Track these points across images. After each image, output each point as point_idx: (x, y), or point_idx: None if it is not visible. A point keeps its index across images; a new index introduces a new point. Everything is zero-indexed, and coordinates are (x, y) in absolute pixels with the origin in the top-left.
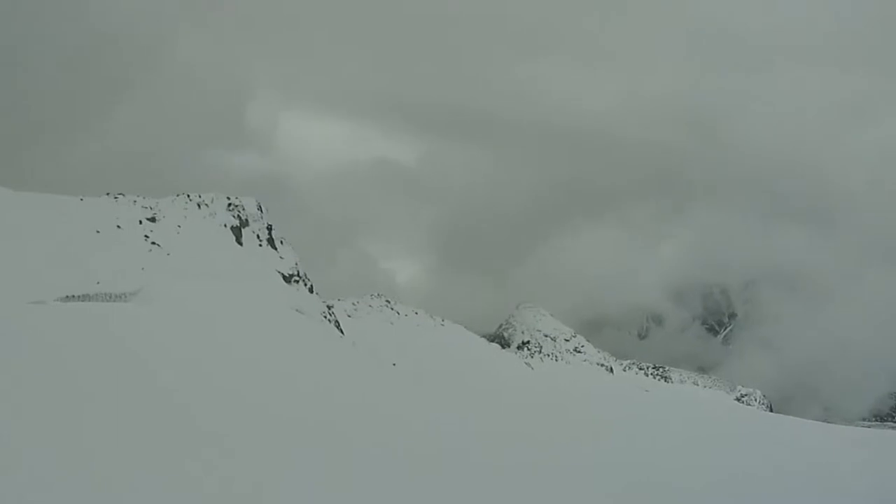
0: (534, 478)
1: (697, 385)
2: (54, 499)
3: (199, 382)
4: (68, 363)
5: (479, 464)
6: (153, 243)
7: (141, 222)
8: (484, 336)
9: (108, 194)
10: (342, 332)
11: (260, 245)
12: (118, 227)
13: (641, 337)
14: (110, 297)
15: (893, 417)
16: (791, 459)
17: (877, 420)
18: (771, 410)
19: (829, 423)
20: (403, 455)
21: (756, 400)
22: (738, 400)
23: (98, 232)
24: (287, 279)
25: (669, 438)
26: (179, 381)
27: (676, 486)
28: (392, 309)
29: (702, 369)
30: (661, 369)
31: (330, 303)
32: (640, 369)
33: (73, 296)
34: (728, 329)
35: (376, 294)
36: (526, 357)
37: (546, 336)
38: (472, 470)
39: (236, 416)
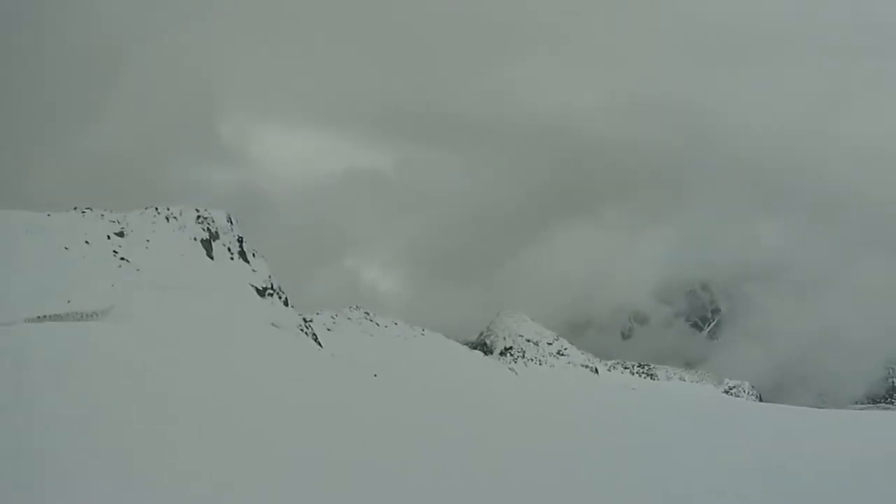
0: (527, 480)
1: (684, 380)
2: None
3: (177, 397)
4: (39, 384)
5: (468, 469)
6: (122, 259)
7: (109, 237)
8: (466, 343)
9: (75, 209)
10: (320, 344)
11: (231, 258)
12: (86, 242)
13: (625, 337)
14: (82, 315)
15: (888, 399)
16: (776, 444)
17: (871, 403)
18: (760, 400)
19: (820, 408)
20: (390, 462)
21: (744, 392)
22: (726, 392)
23: (66, 248)
24: (261, 292)
25: (656, 433)
26: (158, 397)
27: (672, 479)
28: (371, 321)
29: (689, 365)
30: (646, 367)
31: (308, 316)
32: (626, 368)
33: (44, 316)
34: (713, 324)
35: (355, 306)
36: (509, 363)
37: (528, 341)
38: (461, 475)
39: (215, 429)
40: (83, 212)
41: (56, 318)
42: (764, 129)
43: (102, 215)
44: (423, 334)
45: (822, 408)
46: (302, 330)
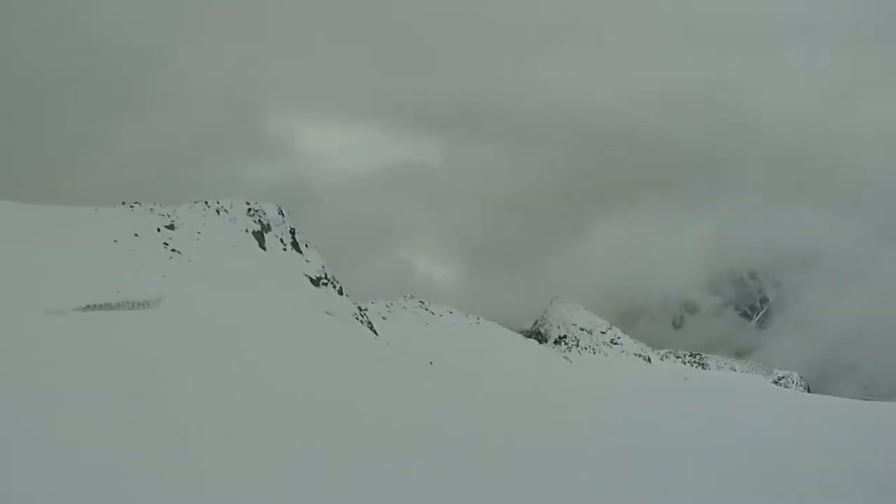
0: (586, 467)
1: (735, 370)
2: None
3: (228, 387)
4: (87, 372)
5: (527, 457)
6: (173, 250)
7: (159, 230)
8: (520, 332)
9: (123, 203)
10: (376, 333)
11: (284, 249)
12: (136, 235)
13: (676, 326)
14: (132, 305)
15: None
16: (824, 438)
17: None
18: (808, 391)
19: (867, 400)
20: (448, 451)
21: (793, 382)
22: (775, 383)
23: (115, 241)
24: (315, 282)
25: (714, 423)
26: (207, 386)
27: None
28: (426, 309)
29: (738, 354)
30: (697, 356)
31: (363, 305)
32: (678, 357)
33: (94, 305)
34: (761, 313)
35: (410, 295)
36: (564, 351)
37: (582, 329)
38: (521, 464)
39: (270, 418)
40: (131, 206)
41: (106, 307)
42: (802, 113)
43: (151, 209)
44: (477, 323)
45: (868, 399)
46: (357, 318)
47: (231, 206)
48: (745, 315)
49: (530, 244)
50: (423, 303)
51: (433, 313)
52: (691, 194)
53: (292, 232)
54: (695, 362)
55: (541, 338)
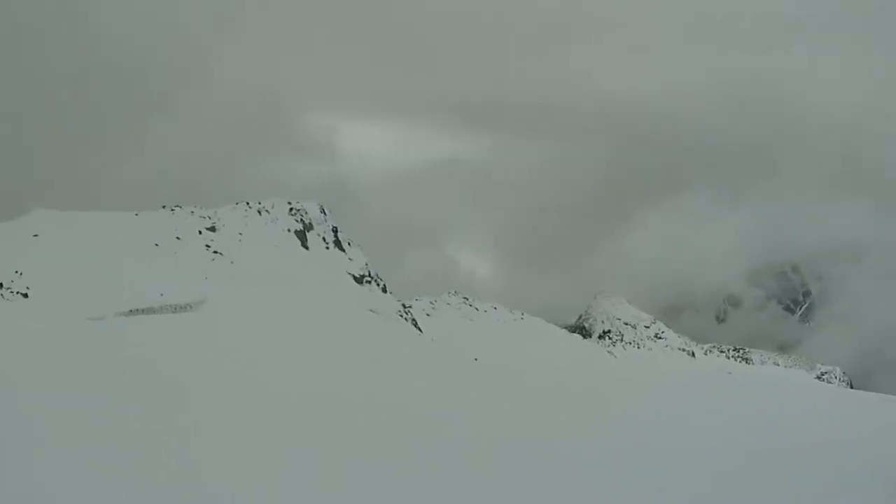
0: (631, 460)
1: (778, 365)
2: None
3: (273, 387)
4: (127, 376)
5: (574, 451)
6: (215, 252)
7: (200, 232)
8: (565, 327)
9: (163, 207)
10: (420, 329)
11: (327, 248)
12: (177, 238)
13: (720, 320)
14: (175, 308)
15: None
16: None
17: None
18: (851, 387)
19: None
20: (493, 445)
21: (836, 378)
22: (818, 378)
23: (157, 245)
24: (358, 280)
25: (755, 420)
26: (252, 387)
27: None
28: (471, 305)
29: (781, 349)
30: (741, 351)
31: (407, 302)
32: (721, 352)
33: (138, 309)
34: (804, 307)
35: (454, 292)
36: (608, 346)
37: (626, 324)
38: (571, 457)
39: (316, 417)
40: (172, 209)
41: (149, 311)
42: (847, 104)
43: (192, 212)
44: (522, 318)
45: None
46: (401, 315)
47: (273, 207)
48: (788, 309)
49: (574, 239)
50: (467, 299)
51: (477, 309)
52: (734, 187)
53: (335, 230)
54: (738, 357)
55: (585, 333)
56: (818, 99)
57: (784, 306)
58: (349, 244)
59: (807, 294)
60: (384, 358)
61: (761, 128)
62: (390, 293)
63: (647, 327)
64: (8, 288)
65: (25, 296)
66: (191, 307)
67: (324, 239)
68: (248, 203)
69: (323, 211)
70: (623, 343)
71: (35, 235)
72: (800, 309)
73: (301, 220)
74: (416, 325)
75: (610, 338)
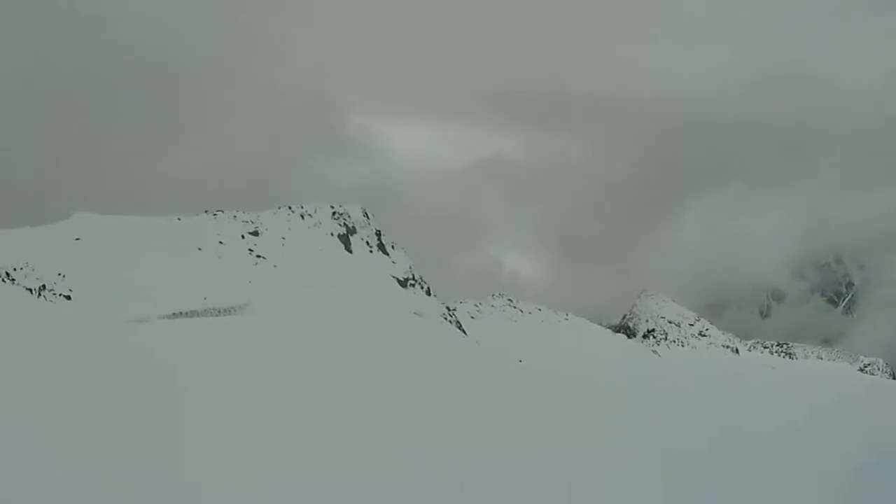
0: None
1: (822, 359)
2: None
3: (318, 390)
4: (171, 379)
5: (620, 453)
6: (258, 256)
7: (243, 237)
8: (609, 327)
9: (206, 212)
10: (464, 332)
11: (370, 251)
12: (220, 242)
13: (763, 315)
14: (219, 311)
15: None
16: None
17: None
18: (894, 378)
19: None
20: (541, 446)
21: (879, 369)
22: (861, 370)
23: (200, 249)
24: (402, 283)
25: (800, 411)
26: (296, 389)
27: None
28: (515, 307)
29: (825, 342)
30: (784, 346)
31: (451, 305)
32: (765, 348)
33: (181, 312)
34: (847, 298)
35: (498, 293)
36: (652, 345)
37: (670, 322)
38: (617, 458)
39: (361, 418)
40: (214, 214)
41: (192, 314)
42: (886, 90)
43: (235, 216)
44: (566, 319)
45: None
46: (445, 318)
47: (315, 211)
48: (831, 301)
49: (616, 236)
50: (511, 300)
51: (522, 311)
52: (774, 177)
53: (378, 234)
54: (782, 352)
55: (630, 332)
56: (859, 86)
57: (827, 299)
58: (392, 247)
59: (849, 286)
60: (428, 361)
61: (800, 116)
62: (434, 296)
63: (692, 325)
64: (51, 290)
65: (68, 298)
66: (235, 310)
67: (367, 242)
68: (290, 207)
69: (366, 214)
70: (667, 341)
71: (77, 239)
72: (843, 301)
73: (344, 223)
74: (460, 327)
75: (654, 337)
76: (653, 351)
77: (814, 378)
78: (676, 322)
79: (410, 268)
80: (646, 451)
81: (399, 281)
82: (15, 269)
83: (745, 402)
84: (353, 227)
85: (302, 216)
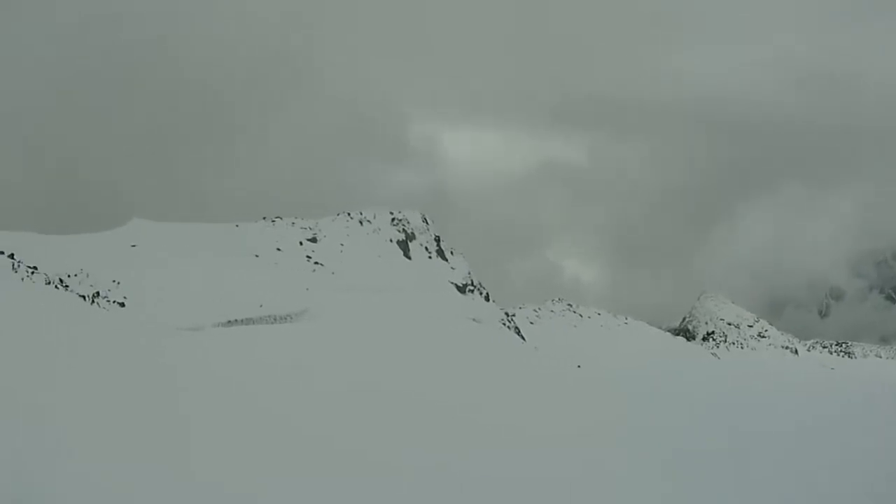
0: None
1: (880, 357)
2: None
3: (375, 398)
4: (226, 386)
5: (682, 456)
6: (316, 263)
7: (301, 243)
8: (669, 330)
9: (264, 219)
10: (523, 338)
11: (429, 257)
12: (278, 249)
13: (822, 315)
14: (275, 319)
15: None
16: None
17: None
18: None
19: None
20: (598, 452)
21: None
22: None
23: (257, 256)
24: (461, 289)
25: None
26: (353, 398)
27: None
28: (574, 312)
29: (884, 340)
30: (843, 345)
31: (510, 310)
32: (824, 347)
33: (236, 320)
34: None
35: (558, 298)
36: (712, 348)
37: (729, 324)
38: (681, 461)
39: (419, 428)
40: (273, 221)
41: (247, 321)
42: None
43: (293, 223)
44: (626, 323)
45: None
46: (504, 324)
47: (374, 217)
48: (889, 298)
49: (674, 239)
50: (570, 305)
51: (581, 315)
52: (828, 177)
53: (437, 239)
54: (841, 351)
55: (689, 335)
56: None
57: (886, 296)
58: (451, 253)
59: None
60: (486, 367)
61: (855, 114)
62: (493, 301)
63: (751, 326)
64: (105, 297)
65: (122, 305)
66: (291, 318)
67: (426, 248)
68: (349, 214)
69: (425, 220)
70: (727, 344)
71: (133, 245)
72: None
73: (403, 229)
74: (519, 333)
75: (714, 339)
76: (712, 353)
77: (871, 378)
78: (735, 324)
79: (469, 273)
80: (705, 450)
81: (457, 287)
82: (69, 276)
83: (798, 404)
84: (413, 232)
85: (361, 222)
